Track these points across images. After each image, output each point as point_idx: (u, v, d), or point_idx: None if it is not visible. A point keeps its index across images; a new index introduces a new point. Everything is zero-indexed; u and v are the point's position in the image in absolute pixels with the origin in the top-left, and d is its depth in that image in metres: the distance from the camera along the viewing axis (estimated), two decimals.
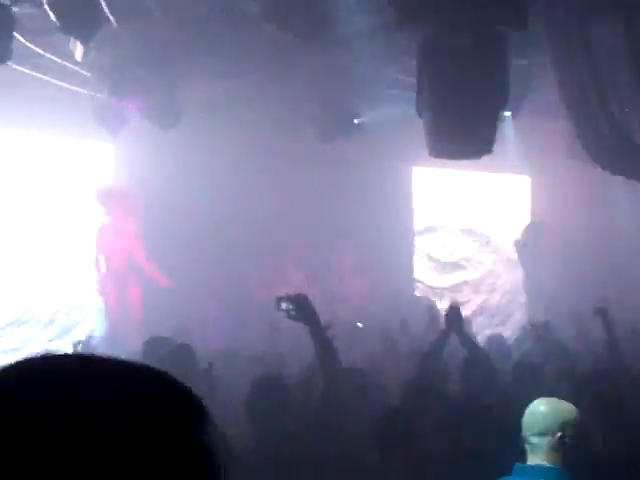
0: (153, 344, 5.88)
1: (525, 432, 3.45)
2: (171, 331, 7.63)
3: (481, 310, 13.58)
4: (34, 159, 10.99)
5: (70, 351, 8.19)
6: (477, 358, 5.93)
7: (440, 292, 13.53)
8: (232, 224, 11.15)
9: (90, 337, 8.66)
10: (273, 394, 4.59)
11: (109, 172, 11.34)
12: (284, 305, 4.83)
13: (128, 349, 8.49)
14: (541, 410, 3.49)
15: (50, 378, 0.91)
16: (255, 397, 4.56)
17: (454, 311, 6.26)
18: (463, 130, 6.63)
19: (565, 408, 3.53)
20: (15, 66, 8.36)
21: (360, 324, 9.88)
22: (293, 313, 4.82)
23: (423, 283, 13.52)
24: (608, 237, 12.37)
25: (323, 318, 5.15)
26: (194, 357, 5.38)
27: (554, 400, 3.60)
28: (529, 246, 12.56)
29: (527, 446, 3.44)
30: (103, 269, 10.43)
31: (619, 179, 8.67)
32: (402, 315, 9.76)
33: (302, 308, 4.82)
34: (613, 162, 7.56)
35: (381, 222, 12.07)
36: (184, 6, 7.82)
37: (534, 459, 3.41)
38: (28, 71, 9.21)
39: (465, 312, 13.21)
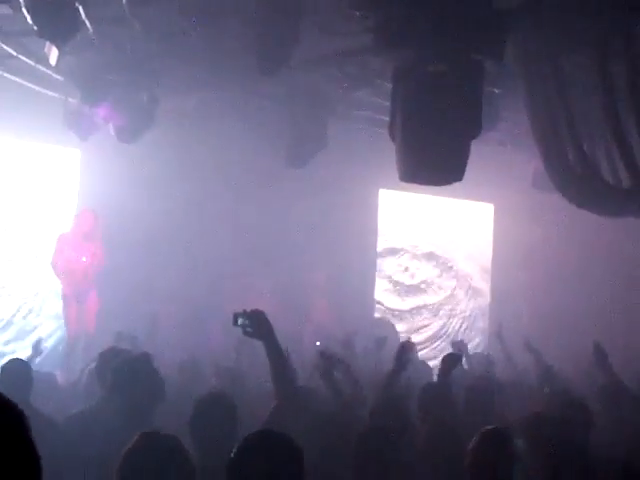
0: (109, 354, 5.77)
1: None
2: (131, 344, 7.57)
3: (440, 334, 13.64)
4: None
5: (27, 354, 8.13)
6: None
7: (399, 314, 13.58)
8: (198, 237, 11.11)
9: (40, 340, 8.63)
10: (217, 413, 4.37)
11: (75, 177, 11.25)
12: (240, 321, 4.73)
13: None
14: None
15: None
16: (198, 416, 4.36)
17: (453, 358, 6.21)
18: (435, 156, 6.63)
19: None
20: None
21: (318, 343, 9.89)
22: (249, 329, 4.71)
23: (383, 305, 13.55)
24: (571, 266, 12.57)
25: (287, 335, 5.08)
26: (152, 366, 5.25)
27: None
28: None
29: None
30: (60, 276, 10.28)
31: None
32: (362, 335, 9.78)
33: (258, 324, 4.71)
34: (579, 195, 7.65)
35: (346, 243, 12.11)
36: (161, 18, 7.81)
37: None
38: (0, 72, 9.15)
39: (424, 336, 13.40)
